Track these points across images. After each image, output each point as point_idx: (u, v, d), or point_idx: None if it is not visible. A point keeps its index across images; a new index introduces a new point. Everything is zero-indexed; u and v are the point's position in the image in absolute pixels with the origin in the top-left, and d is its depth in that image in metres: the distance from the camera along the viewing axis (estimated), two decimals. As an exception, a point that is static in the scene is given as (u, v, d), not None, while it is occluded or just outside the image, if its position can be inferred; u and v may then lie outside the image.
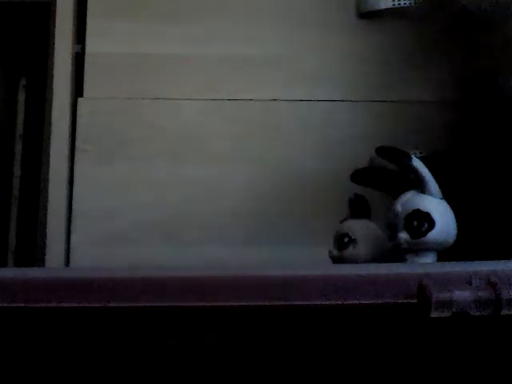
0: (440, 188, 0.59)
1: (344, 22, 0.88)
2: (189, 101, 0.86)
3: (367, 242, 0.63)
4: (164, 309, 0.47)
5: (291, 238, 0.83)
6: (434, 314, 0.46)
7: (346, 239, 0.63)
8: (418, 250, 0.58)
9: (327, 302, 0.47)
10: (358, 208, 0.65)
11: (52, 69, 0.85)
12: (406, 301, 0.47)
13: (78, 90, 0.86)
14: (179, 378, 0.50)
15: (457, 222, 0.59)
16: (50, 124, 0.84)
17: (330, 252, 0.64)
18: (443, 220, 0.57)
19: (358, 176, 0.63)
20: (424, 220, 0.57)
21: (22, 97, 1.12)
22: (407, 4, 0.86)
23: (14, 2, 0.97)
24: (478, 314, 0.46)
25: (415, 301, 0.47)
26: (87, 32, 0.87)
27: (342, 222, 0.66)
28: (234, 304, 0.46)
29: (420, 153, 0.83)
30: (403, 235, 0.58)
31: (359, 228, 0.64)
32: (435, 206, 0.58)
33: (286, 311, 0.48)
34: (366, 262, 0.62)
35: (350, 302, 0.47)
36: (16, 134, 1.11)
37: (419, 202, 0.58)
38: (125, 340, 0.49)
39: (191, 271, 0.48)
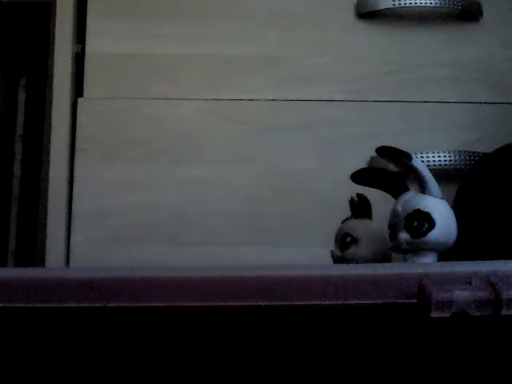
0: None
1: (344, 21, 0.88)
2: (189, 101, 0.86)
3: (369, 242, 0.63)
4: (164, 309, 0.47)
5: (291, 238, 0.83)
6: (434, 314, 0.46)
7: (348, 239, 0.63)
8: (418, 250, 0.58)
9: (327, 302, 0.47)
10: (359, 208, 0.65)
11: (52, 69, 0.85)
12: (406, 301, 0.47)
13: (78, 90, 0.86)
14: (179, 378, 0.50)
15: (457, 221, 0.59)
16: (50, 124, 0.84)
17: (331, 252, 0.64)
18: (443, 220, 0.57)
19: (358, 176, 0.63)
20: (424, 220, 0.57)
21: (22, 97, 1.12)
22: (407, 4, 0.87)
23: (13, 2, 0.97)
24: (478, 314, 0.46)
25: (415, 301, 0.47)
26: (87, 32, 0.87)
27: (343, 221, 0.66)
28: (234, 304, 0.46)
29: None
30: (403, 235, 0.58)
31: (361, 228, 0.64)
32: (435, 206, 0.58)
33: (286, 311, 0.48)
34: (368, 261, 0.62)
35: (350, 302, 0.47)
36: (16, 133, 1.11)
37: (419, 202, 0.58)
38: (125, 340, 0.49)
39: (191, 271, 0.48)
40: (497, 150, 0.73)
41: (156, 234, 0.83)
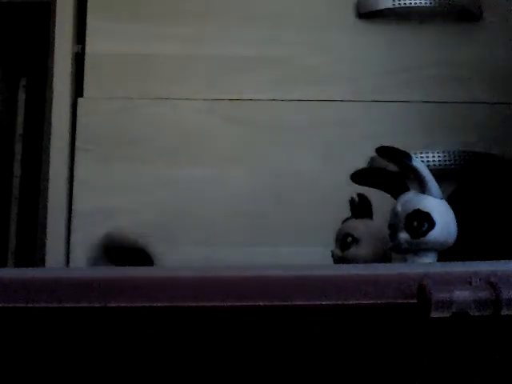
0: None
1: (344, 22, 0.88)
2: (189, 101, 0.86)
3: (370, 242, 0.63)
4: (164, 309, 0.47)
5: (291, 237, 0.83)
6: (434, 314, 0.46)
7: (349, 239, 0.63)
8: (418, 249, 0.58)
9: (327, 302, 0.47)
10: (360, 208, 0.65)
11: (52, 69, 0.85)
12: (405, 301, 0.47)
13: (78, 90, 0.86)
14: (179, 378, 0.50)
15: (457, 221, 0.59)
16: (50, 124, 0.84)
17: (332, 252, 0.64)
18: (443, 220, 0.57)
19: (358, 176, 0.63)
20: (424, 220, 0.57)
21: (22, 97, 1.12)
22: (407, 4, 0.87)
23: (14, 2, 0.97)
24: (478, 314, 0.46)
25: (415, 301, 0.47)
26: (87, 32, 0.87)
27: (344, 221, 0.66)
28: (234, 304, 0.46)
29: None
30: (403, 235, 0.58)
31: (362, 228, 0.64)
32: (435, 206, 0.58)
33: (286, 311, 0.48)
34: (368, 261, 0.62)
35: (350, 302, 0.47)
36: (16, 133, 1.11)
37: (419, 202, 0.58)
38: (125, 340, 0.49)
39: (191, 271, 0.48)
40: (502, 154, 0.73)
41: (156, 234, 0.83)
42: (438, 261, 0.58)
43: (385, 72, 0.87)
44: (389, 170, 0.63)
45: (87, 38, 0.87)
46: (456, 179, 0.75)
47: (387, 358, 0.50)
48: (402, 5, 0.86)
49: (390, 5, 0.86)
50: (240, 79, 0.87)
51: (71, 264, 0.81)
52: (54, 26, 0.86)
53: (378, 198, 0.64)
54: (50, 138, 0.84)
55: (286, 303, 0.47)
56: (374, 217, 0.66)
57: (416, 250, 0.58)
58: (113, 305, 0.46)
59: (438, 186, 0.59)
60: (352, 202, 0.66)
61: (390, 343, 0.50)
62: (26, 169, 1.10)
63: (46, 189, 0.83)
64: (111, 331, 0.49)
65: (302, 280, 0.47)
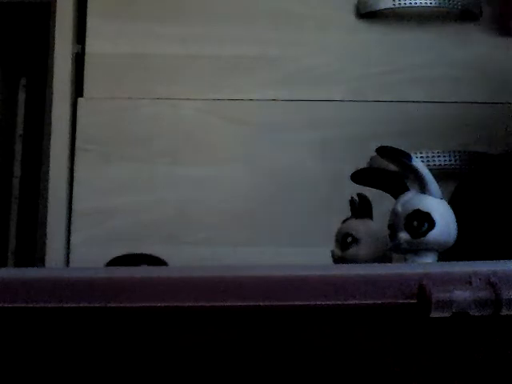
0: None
1: (344, 22, 0.88)
2: (189, 101, 0.86)
3: (370, 242, 0.63)
4: (164, 309, 0.47)
5: (291, 238, 0.83)
6: (433, 314, 0.46)
7: (349, 239, 0.63)
8: (418, 250, 0.58)
9: (327, 302, 0.47)
10: (360, 208, 0.65)
11: (52, 69, 0.85)
12: (405, 301, 0.47)
13: (78, 90, 0.86)
14: (179, 378, 0.50)
15: (457, 221, 0.59)
16: (49, 124, 0.84)
17: (332, 252, 0.64)
18: (443, 220, 0.57)
19: (358, 176, 0.63)
20: (424, 220, 0.57)
21: (22, 97, 1.12)
22: (407, 4, 0.87)
23: (13, 2, 0.97)
24: (478, 314, 0.46)
25: (415, 301, 0.47)
26: (87, 32, 0.87)
27: (343, 221, 0.66)
28: (234, 304, 0.46)
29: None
30: (403, 235, 0.58)
31: (362, 228, 0.64)
32: (435, 206, 0.58)
33: (286, 311, 0.48)
34: (368, 261, 0.62)
35: (350, 302, 0.47)
36: (16, 133, 1.11)
37: (419, 202, 0.58)
38: (125, 340, 0.49)
39: (191, 271, 0.48)
40: (501, 152, 0.73)
41: (156, 234, 0.83)
42: (438, 261, 0.58)
43: (385, 72, 0.87)
44: (389, 170, 0.63)
45: (87, 38, 0.87)
46: (456, 179, 0.75)
47: (387, 357, 0.50)
48: (402, 5, 0.86)
49: (390, 5, 0.86)
50: (240, 79, 0.87)
51: (71, 264, 0.81)
52: (54, 26, 0.86)
53: (378, 198, 0.64)
54: (49, 138, 0.84)
55: (286, 303, 0.47)
56: (373, 217, 0.66)
57: (416, 249, 0.58)
58: (113, 305, 0.46)
59: (438, 186, 0.59)
60: (352, 202, 0.66)
61: (390, 343, 0.50)
62: (26, 169, 1.10)
63: (46, 189, 0.83)
64: (111, 331, 0.49)
65: (302, 280, 0.47)
